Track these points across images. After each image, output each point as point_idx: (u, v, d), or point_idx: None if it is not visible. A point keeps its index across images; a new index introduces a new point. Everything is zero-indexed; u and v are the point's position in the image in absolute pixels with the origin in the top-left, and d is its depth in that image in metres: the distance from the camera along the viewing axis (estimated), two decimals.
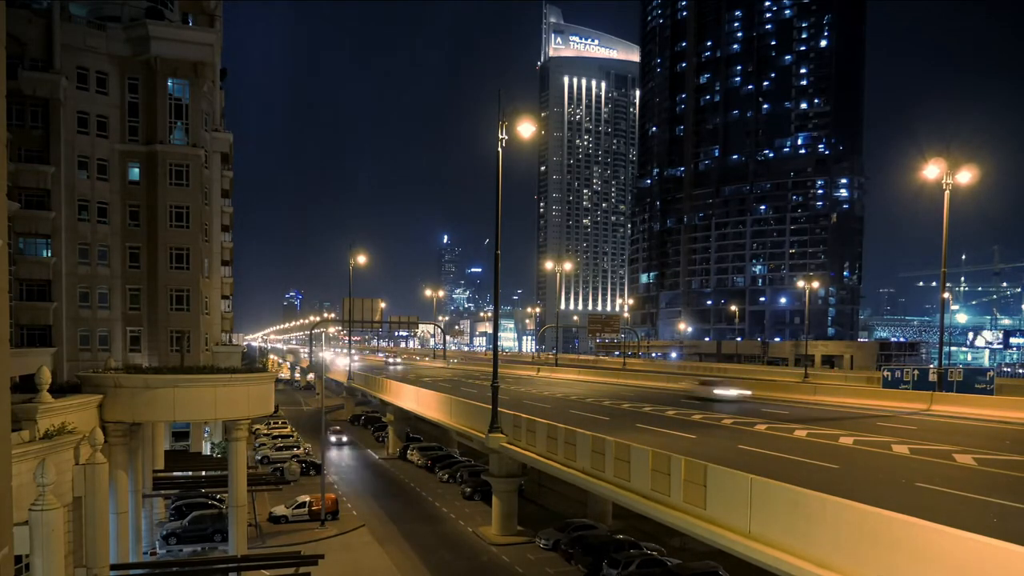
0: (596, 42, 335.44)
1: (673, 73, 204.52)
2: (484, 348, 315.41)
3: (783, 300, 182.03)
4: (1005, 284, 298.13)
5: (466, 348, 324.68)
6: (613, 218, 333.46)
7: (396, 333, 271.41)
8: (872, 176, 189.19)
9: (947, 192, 42.25)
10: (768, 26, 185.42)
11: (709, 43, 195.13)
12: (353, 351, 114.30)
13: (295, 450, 65.16)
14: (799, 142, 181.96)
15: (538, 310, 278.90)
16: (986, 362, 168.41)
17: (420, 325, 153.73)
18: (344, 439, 78.64)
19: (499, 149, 34.85)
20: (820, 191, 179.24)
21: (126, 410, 27.97)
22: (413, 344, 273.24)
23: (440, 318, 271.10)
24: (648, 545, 36.51)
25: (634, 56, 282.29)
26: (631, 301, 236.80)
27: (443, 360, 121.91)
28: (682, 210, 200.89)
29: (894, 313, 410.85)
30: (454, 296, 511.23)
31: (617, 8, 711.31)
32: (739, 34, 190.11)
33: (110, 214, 45.16)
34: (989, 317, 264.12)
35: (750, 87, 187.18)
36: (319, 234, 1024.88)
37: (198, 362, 45.25)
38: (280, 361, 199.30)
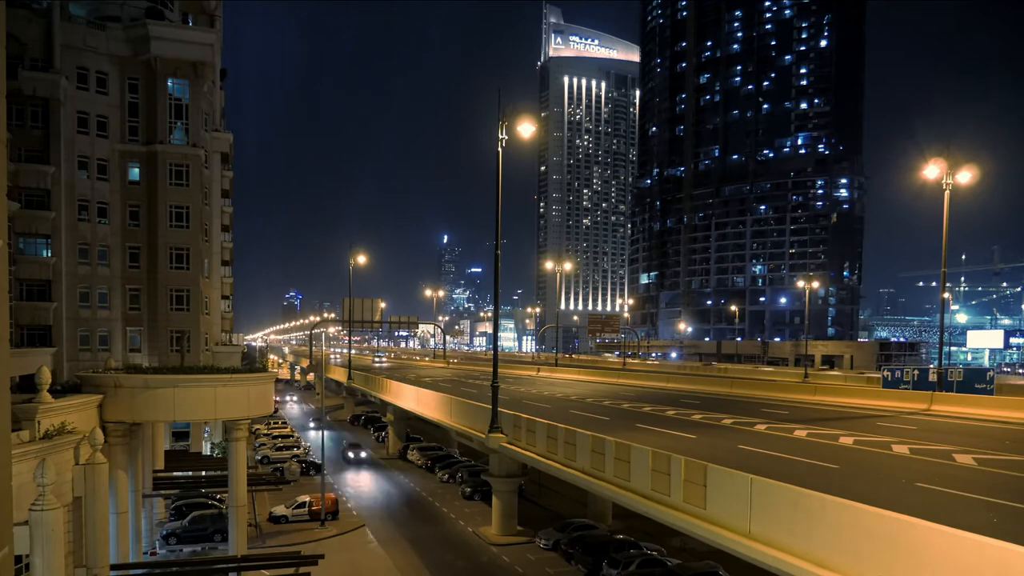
0: (596, 42, 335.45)
1: (673, 73, 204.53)
2: (484, 348, 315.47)
3: (783, 300, 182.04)
4: (1005, 284, 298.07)
5: (466, 348, 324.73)
6: (613, 218, 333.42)
7: (396, 333, 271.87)
8: (872, 176, 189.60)
9: (947, 192, 42.25)
10: (768, 26, 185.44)
11: (709, 43, 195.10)
12: (353, 350, 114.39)
13: (295, 450, 65.19)
14: (799, 142, 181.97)
15: (538, 310, 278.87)
16: (986, 362, 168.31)
17: (420, 325, 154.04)
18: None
19: (499, 149, 34.85)
20: (820, 191, 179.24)
21: (126, 410, 27.95)
22: (413, 344, 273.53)
23: (440, 318, 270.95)
24: (648, 545, 36.50)
25: (634, 56, 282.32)
26: (631, 301, 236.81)
27: (443, 360, 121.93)
28: (682, 210, 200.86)
29: (894, 313, 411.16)
30: (454, 296, 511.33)
31: (617, 8, 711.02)
32: (739, 34, 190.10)
33: (110, 214, 45.12)
34: (989, 317, 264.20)
35: (750, 87, 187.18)
36: (319, 234, 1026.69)
37: (198, 362, 45.22)
38: (280, 361, 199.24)
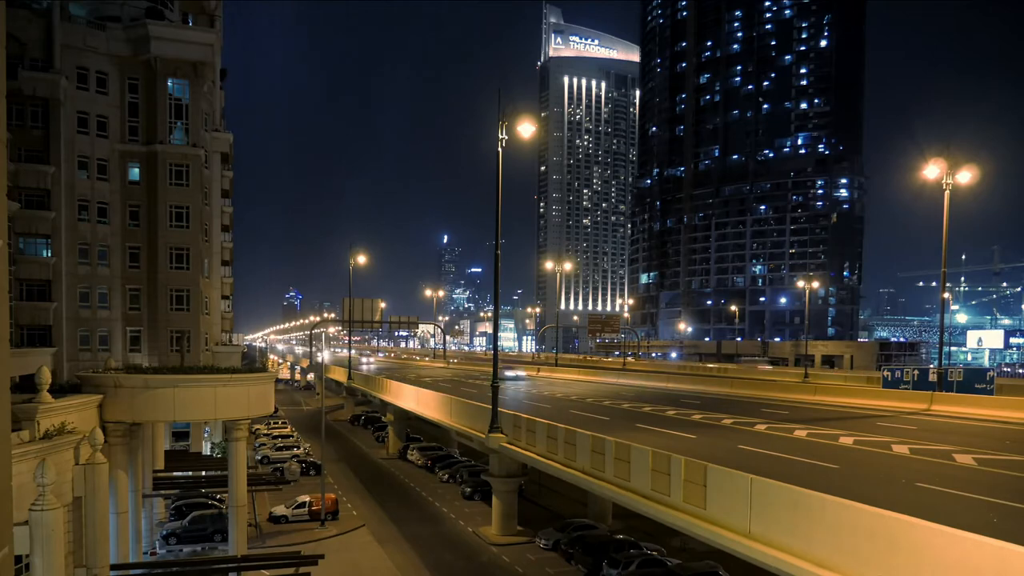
0: (596, 42, 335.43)
1: (673, 73, 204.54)
2: (484, 348, 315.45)
3: (783, 300, 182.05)
4: (1005, 284, 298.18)
5: (466, 348, 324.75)
6: (613, 218, 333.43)
7: (396, 333, 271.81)
8: (872, 176, 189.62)
9: (947, 192, 42.26)
10: (768, 26, 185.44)
11: (709, 43, 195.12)
12: (353, 350, 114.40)
13: (295, 450, 65.18)
14: (799, 142, 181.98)
15: (538, 310, 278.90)
16: (986, 362, 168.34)
17: (420, 325, 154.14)
18: None
19: (499, 149, 34.86)
20: (820, 191, 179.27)
21: (126, 410, 27.95)
22: (413, 344, 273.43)
23: (440, 318, 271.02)
24: (648, 545, 36.49)
25: (634, 56, 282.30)
26: (631, 301, 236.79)
27: (443, 360, 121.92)
28: (682, 210, 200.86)
29: (894, 313, 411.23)
30: (454, 296, 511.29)
31: (617, 8, 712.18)
32: (739, 34, 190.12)
33: (110, 214, 45.08)
34: (989, 317, 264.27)
35: (750, 87, 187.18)
36: (319, 234, 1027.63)
37: (198, 362, 45.20)
38: (280, 361, 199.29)
